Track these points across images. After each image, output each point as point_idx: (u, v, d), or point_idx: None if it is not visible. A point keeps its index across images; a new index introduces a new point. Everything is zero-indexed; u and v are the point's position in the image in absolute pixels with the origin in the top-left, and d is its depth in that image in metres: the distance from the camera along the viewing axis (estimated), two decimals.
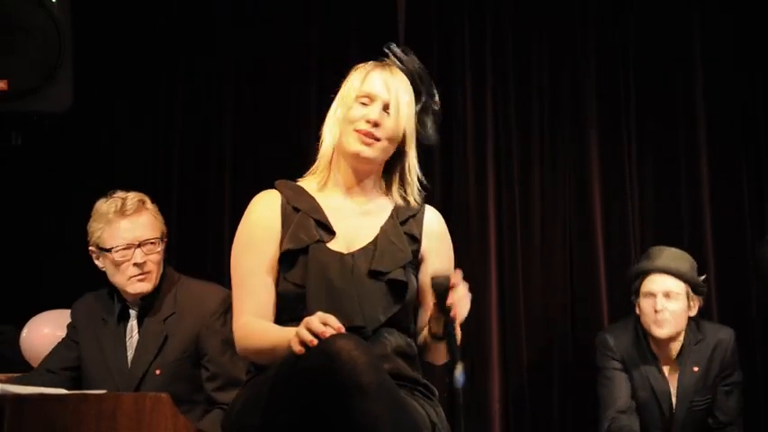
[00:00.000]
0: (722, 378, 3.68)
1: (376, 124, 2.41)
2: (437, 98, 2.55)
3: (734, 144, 4.28)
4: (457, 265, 2.38)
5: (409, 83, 2.48)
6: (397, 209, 2.49)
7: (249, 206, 2.48)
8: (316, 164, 2.51)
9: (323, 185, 2.49)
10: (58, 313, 3.70)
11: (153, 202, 3.16)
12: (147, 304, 3.09)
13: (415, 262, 2.45)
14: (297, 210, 2.44)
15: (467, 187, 4.22)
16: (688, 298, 3.67)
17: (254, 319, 2.35)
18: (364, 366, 1.97)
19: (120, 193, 3.09)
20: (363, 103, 2.44)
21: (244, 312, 2.38)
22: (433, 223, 2.52)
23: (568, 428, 4.08)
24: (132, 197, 3.08)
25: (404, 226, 2.46)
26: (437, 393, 2.41)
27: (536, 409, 4.11)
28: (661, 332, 3.66)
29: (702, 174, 4.24)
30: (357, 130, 2.42)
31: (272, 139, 4.17)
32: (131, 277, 3.04)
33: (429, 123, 2.53)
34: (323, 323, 2.08)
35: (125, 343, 3.07)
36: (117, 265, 3.04)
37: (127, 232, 3.04)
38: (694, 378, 3.67)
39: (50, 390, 2.42)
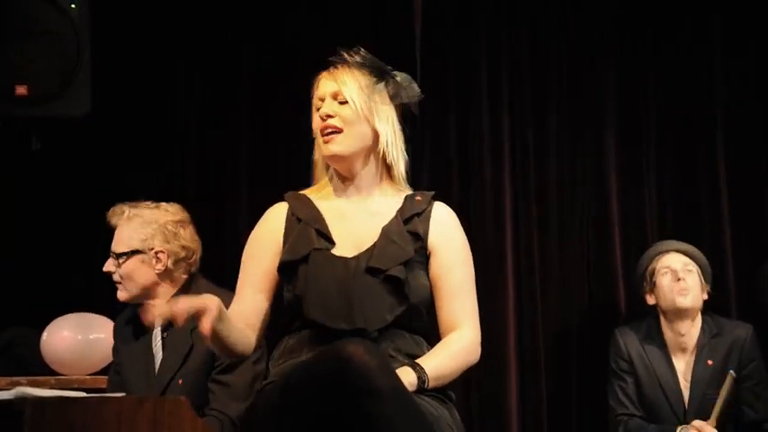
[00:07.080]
0: (744, 375, 3.65)
1: (329, 116, 2.42)
2: (397, 74, 2.52)
3: (752, 140, 4.26)
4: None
5: (359, 70, 2.47)
6: (403, 208, 2.47)
7: (260, 219, 2.55)
8: (315, 179, 2.57)
9: (326, 193, 2.52)
10: (77, 316, 3.73)
11: (156, 207, 3.19)
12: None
13: (421, 260, 2.43)
14: (300, 220, 2.46)
15: (483, 188, 4.21)
16: (700, 279, 3.71)
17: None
18: (376, 370, 1.97)
19: (129, 203, 3.17)
20: (318, 108, 2.46)
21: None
22: (441, 219, 2.50)
23: (585, 429, 4.08)
24: (118, 207, 3.16)
25: (408, 224, 2.44)
26: (453, 396, 2.42)
27: (553, 410, 4.11)
28: (684, 301, 3.67)
29: (720, 176, 4.23)
30: (320, 133, 2.45)
31: (288, 148, 4.16)
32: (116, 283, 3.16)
33: (403, 94, 2.50)
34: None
35: (152, 352, 3.12)
36: None
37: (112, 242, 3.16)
38: (708, 372, 3.67)
39: (70, 392, 2.45)
